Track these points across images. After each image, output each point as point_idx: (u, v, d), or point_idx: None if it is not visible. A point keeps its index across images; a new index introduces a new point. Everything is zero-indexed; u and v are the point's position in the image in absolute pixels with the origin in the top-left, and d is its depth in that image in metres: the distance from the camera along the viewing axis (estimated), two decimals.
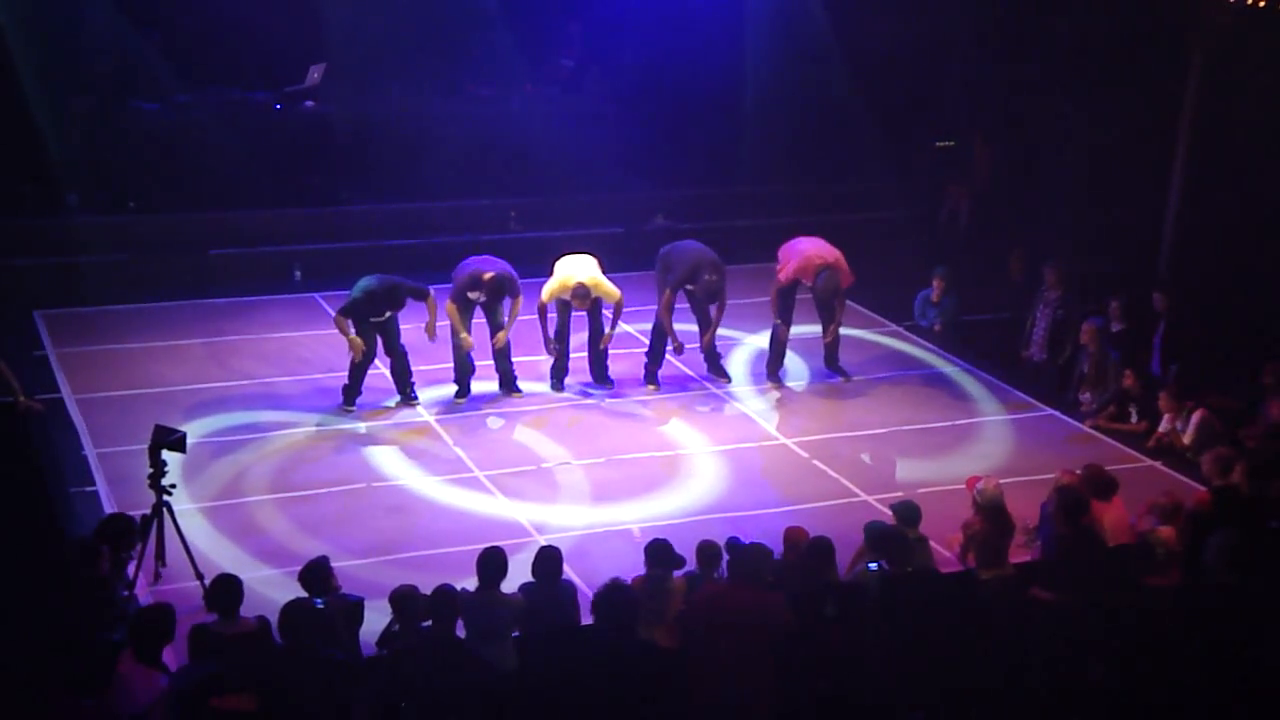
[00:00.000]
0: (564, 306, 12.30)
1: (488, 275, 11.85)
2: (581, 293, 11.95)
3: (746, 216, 13.87)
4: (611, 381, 12.61)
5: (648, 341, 12.79)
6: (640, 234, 15.60)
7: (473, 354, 12.13)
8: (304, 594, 7.72)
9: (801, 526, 8.70)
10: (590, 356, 12.59)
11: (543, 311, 12.14)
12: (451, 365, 12.19)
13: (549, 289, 12.12)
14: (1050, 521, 8.96)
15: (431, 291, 11.85)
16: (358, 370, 11.82)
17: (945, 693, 7.85)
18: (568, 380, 12.55)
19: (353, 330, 11.63)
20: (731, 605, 7.48)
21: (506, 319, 12.05)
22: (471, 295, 11.94)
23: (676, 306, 12.54)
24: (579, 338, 12.64)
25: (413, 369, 12.05)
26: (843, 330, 12.98)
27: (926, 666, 7.85)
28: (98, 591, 7.90)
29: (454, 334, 12.01)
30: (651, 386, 12.63)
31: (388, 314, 11.69)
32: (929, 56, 17.55)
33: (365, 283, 11.63)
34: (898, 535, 8.47)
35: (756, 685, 7.37)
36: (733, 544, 8.27)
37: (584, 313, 12.32)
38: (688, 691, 7.47)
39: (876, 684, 7.79)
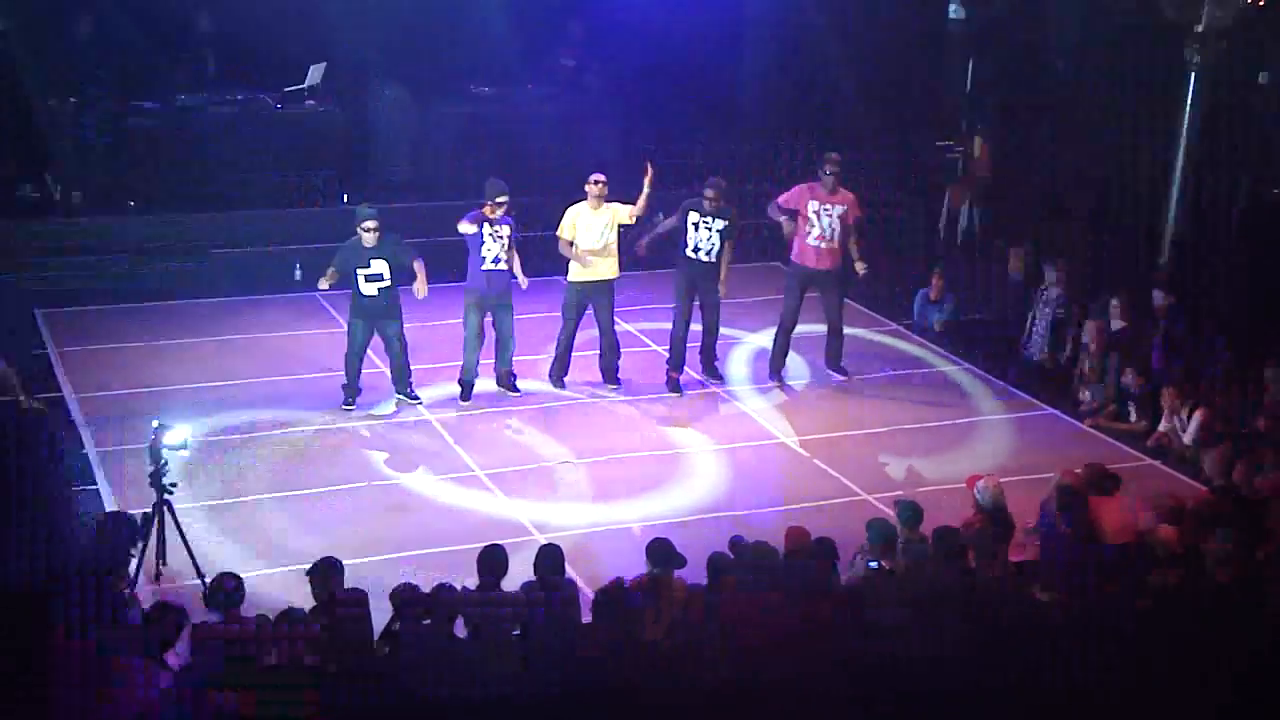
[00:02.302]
0: (575, 302, 12.32)
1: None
2: (598, 190, 11.97)
3: (747, 215, 13.88)
4: (619, 382, 12.63)
5: (668, 350, 12.73)
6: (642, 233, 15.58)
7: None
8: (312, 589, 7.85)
9: (803, 526, 8.71)
10: (602, 354, 12.59)
11: (564, 244, 12.20)
12: (458, 364, 12.19)
13: (567, 219, 12.18)
14: (1050, 521, 8.96)
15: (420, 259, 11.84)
16: (351, 363, 11.79)
17: (946, 692, 7.85)
18: (568, 379, 12.56)
19: (333, 280, 11.60)
20: (736, 608, 7.43)
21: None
22: (492, 210, 11.73)
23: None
24: (584, 335, 12.64)
25: (412, 368, 12.05)
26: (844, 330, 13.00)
27: (926, 665, 7.84)
28: (101, 590, 7.91)
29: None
30: (675, 394, 12.58)
31: (374, 270, 11.52)
32: (929, 55, 17.56)
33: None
34: (906, 534, 8.49)
35: (762, 688, 7.33)
36: (736, 543, 8.27)
37: (591, 312, 12.34)
38: (691, 694, 7.45)
39: (878, 683, 7.79)
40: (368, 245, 11.54)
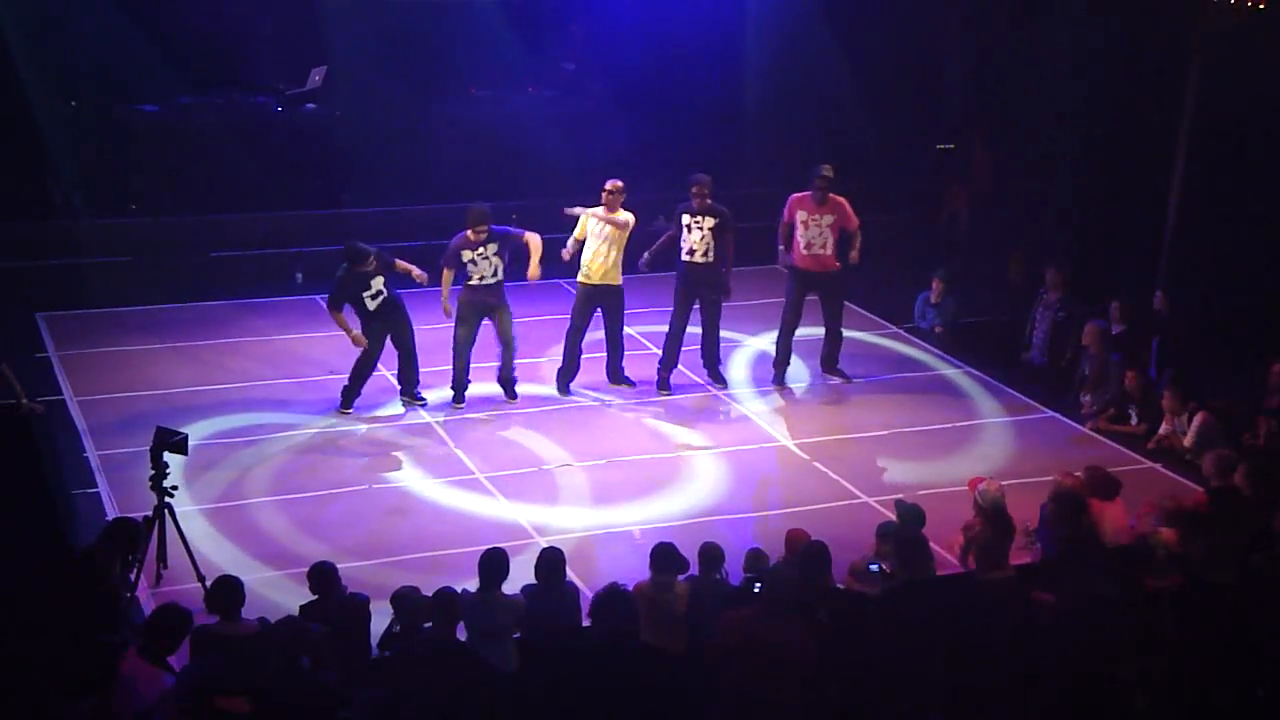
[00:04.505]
0: (583, 306, 12.32)
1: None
2: (615, 189, 12.06)
3: (748, 219, 13.90)
4: (633, 382, 12.66)
5: (661, 349, 12.75)
6: (642, 236, 15.58)
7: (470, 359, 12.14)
8: (312, 596, 7.86)
9: (803, 529, 8.71)
10: (608, 357, 12.62)
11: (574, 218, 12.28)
12: (451, 369, 12.19)
13: (581, 219, 12.25)
14: (1051, 523, 8.96)
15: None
16: (361, 371, 11.79)
17: (947, 695, 7.86)
18: (574, 384, 12.55)
19: (356, 328, 11.62)
20: (763, 638, 7.31)
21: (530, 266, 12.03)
22: (475, 235, 11.74)
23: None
24: (590, 337, 12.62)
25: (420, 372, 12.05)
26: (843, 332, 13.00)
27: (926, 670, 7.85)
28: (103, 594, 7.92)
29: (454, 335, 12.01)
30: (664, 393, 12.60)
31: (375, 289, 11.53)
32: (929, 58, 17.56)
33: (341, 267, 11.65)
34: (911, 537, 8.50)
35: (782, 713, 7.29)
36: (756, 556, 8.27)
37: (599, 312, 12.35)
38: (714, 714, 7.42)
39: (877, 687, 7.79)
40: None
